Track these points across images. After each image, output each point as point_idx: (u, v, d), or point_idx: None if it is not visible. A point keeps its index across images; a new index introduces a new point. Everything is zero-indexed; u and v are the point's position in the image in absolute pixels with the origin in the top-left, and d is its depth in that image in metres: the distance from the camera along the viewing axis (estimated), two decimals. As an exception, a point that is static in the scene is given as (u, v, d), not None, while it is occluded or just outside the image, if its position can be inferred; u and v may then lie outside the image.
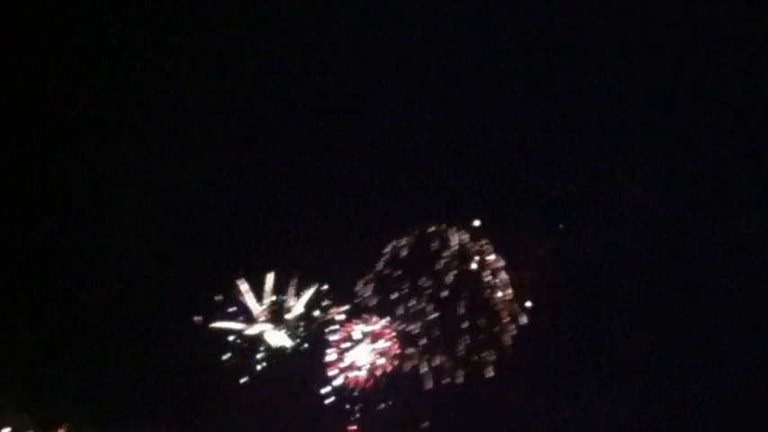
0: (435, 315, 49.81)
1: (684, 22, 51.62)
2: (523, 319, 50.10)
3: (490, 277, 50.86)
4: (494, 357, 49.14)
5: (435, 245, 50.83)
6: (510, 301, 50.79)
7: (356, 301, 50.83)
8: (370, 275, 50.96)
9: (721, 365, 49.34)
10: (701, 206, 51.49)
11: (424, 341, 49.67)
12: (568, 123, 53.30)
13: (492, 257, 51.03)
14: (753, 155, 50.91)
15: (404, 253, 50.91)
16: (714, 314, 50.07)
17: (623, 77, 52.87)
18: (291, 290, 52.25)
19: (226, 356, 50.33)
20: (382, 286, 50.81)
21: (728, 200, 51.43)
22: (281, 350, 51.30)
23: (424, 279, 50.23)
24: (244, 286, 51.89)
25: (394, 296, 50.37)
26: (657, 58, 52.50)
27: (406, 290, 50.32)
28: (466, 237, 51.15)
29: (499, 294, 50.55)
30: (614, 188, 52.73)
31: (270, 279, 52.13)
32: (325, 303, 51.97)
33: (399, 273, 50.65)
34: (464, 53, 53.23)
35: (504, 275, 51.21)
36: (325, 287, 51.79)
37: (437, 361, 49.13)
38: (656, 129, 53.01)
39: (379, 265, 50.99)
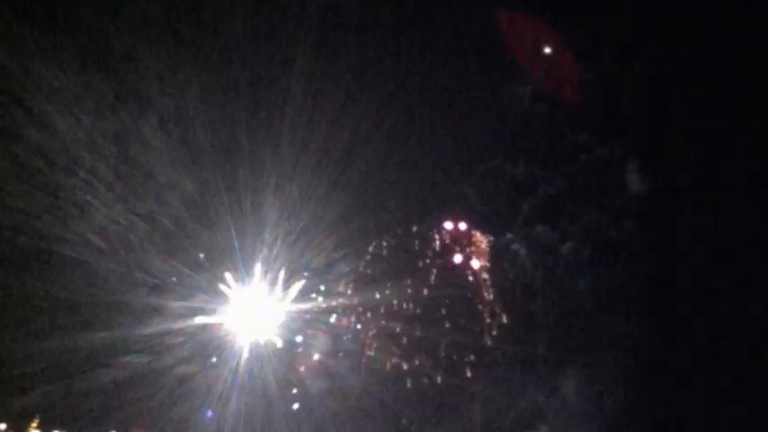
0: (416, 315, 50.43)
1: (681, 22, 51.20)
2: (504, 319, 50.69)
3: (472, 277, 51.36)
4: (473, 358, 49.81)
5: (417, 245, 51.29)
6: (492, 300, 51.31)
7: (339, 300, 51.33)
8: (352, 275, 51.40)
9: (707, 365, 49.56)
10: (689, 203, 51.26)
11: (404, 341, 50.28)
12: (552, 117, 53.03)
13: (474, 258, 51.48)
14: (743, 150, 50.52)
15: (386, 252, 51.38)
16: (703, 312, 50.11)
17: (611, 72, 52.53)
18: (278, 286, 52.66)
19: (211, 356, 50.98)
20: (364, 286, 51.36)
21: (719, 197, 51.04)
22: (270, 348, 51.91)
23: (405, 280, 50.80)
24: (230, 280, 52.24)
25: (377, 296, 51.00)
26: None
27: (388, 290, 50.91)
28: (447, 237, 51.49)
29: (481, 295, 51.02)
30: (600, 183, 52.56)
31: (257, 272, 52.46)
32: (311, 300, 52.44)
33: (381, 272, 51.17)
34: (442, 48, 52.74)
35: (485, 275, 51.68)
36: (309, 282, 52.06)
37: (417, 361, 49.84)
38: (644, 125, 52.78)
39: (361, 266, 51.47)
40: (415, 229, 52.02)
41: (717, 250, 50.52)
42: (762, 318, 49.05)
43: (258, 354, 51.58)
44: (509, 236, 52.52)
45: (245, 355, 51.06)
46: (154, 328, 49.27)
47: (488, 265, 52.63)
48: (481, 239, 52.93)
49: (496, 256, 52.74)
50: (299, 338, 51.75)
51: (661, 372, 50.39)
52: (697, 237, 50.98)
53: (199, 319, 50.94)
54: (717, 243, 50.55)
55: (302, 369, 50.96)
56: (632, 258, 51.03)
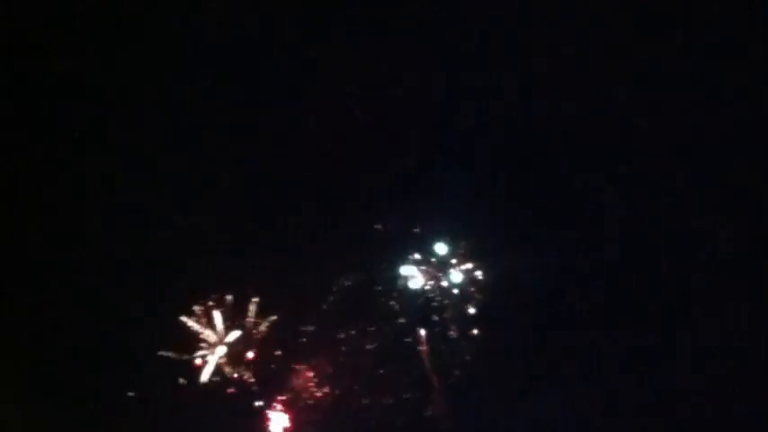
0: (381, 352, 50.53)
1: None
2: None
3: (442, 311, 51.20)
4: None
5: (383, 285, 51.19)
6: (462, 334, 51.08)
7: (302, 339, 51.65)
8: (315, 313, 51.55)
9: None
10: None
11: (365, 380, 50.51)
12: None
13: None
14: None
15: (351, 292, 51.36)
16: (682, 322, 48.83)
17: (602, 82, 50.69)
18: (250, 318, 53.12)
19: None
20: (328, 325, 51.50)
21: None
22: (239, 382, 52.47)
23: (369, 319, 50.86)
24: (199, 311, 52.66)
25: (340, 335, 51.15)
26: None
27: (353, 330, 51.02)
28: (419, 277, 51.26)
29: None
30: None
31: (228, 303, 52.79)
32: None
33: (345, 312, 51.24)
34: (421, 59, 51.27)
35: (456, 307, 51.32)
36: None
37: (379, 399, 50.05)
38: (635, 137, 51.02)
39: (325, 305, 51.55)
40: (383, 266, 51.68)
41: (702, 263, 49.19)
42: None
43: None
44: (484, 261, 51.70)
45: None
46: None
47: (462, 294, 52.08)
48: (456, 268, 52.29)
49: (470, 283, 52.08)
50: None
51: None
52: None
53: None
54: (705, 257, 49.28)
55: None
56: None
